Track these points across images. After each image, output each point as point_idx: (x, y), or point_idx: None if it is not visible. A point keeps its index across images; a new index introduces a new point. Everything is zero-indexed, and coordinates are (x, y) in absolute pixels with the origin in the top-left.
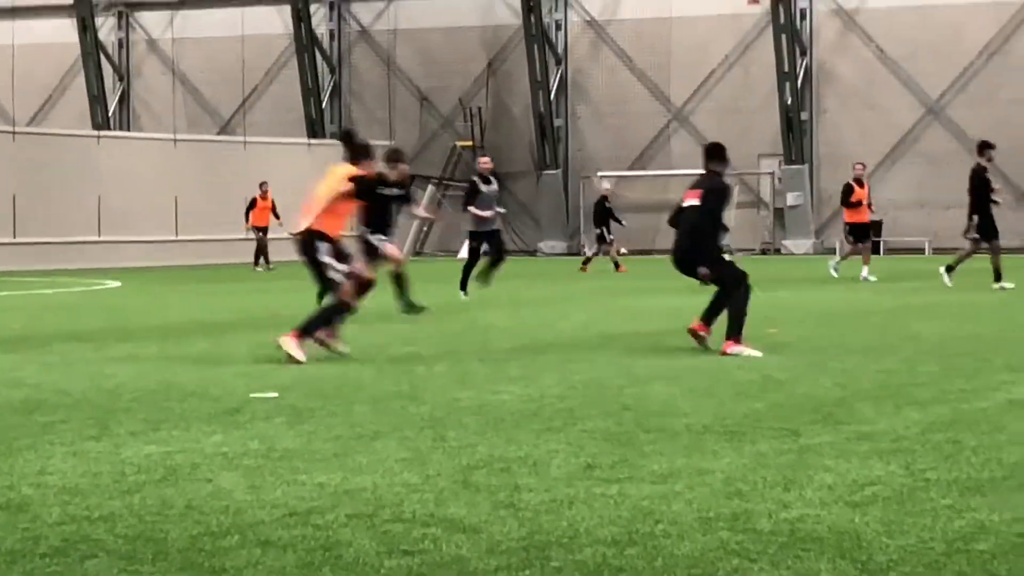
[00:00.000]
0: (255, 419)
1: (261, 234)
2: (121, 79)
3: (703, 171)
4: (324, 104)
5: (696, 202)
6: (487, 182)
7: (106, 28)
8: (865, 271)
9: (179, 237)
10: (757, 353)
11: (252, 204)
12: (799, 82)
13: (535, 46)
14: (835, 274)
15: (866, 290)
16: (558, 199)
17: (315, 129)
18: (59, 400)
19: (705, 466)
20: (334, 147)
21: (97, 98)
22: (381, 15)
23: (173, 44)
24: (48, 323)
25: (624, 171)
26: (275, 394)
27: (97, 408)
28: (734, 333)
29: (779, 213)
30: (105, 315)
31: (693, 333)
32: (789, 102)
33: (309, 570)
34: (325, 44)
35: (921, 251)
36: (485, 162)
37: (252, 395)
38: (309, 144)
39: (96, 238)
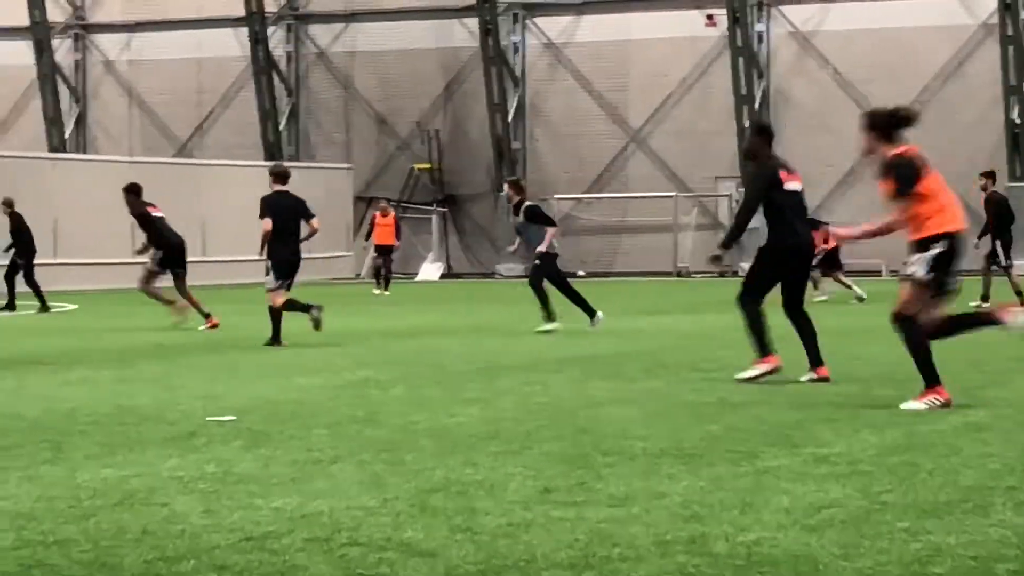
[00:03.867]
0: (212, 443)
1: (379, 255)
2: (77, 101)
3: None
4: (281, 127)
5: None
6: (516, 213)
7: (62, 50)
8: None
9: (136, 260)
10: None
11: (372, 223)
12: (757, 104)
13: (493, 69)
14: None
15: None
16: None
17: (272, 152)
18: (13, 424)
19: (662, 489)
20: (290, 170)
21: (53, 121)
22: (339, 37)
23: (129, 66)
24: (3, 346)
25: (581, 193)
26: (232, 417)
27: (52, 432)
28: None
29: None
30: (61, 338)
31: None
32: (747, 124)
33: None
34: (283, 66)
35: (878, 273)
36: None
37: (208, 418)
38: (266, 167)
39: (52, 260)
